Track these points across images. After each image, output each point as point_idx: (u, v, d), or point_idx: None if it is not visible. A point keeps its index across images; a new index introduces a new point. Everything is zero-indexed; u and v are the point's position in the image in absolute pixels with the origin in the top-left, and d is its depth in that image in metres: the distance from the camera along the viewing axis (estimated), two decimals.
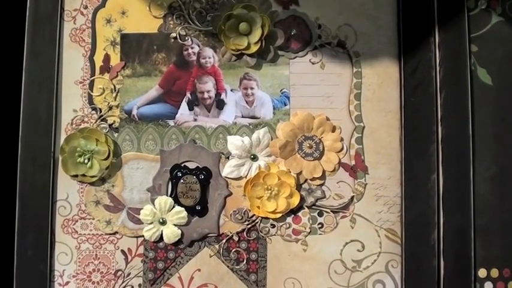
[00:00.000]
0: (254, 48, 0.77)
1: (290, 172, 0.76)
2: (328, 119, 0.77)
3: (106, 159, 0.76)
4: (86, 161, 0.76)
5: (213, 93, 0.78)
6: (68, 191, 0.77)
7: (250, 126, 0.77)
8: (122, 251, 0.77)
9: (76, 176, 0.76)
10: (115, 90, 0.78)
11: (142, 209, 0.76)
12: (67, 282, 0.76)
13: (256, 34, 0.76)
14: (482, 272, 0.78)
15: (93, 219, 0.77)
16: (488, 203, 0.78)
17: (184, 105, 0.77)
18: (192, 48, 0.78)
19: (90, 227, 0.77)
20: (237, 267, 0.77)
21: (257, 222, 0.77)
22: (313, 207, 0.77)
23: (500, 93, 0.78)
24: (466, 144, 0.77)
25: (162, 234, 0.76)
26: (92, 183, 0.77)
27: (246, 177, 0.77)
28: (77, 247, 0.77)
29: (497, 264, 0.78)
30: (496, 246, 0.78)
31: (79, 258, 0.77)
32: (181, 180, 0.76)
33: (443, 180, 0.77)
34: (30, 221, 0.76)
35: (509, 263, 0.78)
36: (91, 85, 0.78)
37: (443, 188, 0.77)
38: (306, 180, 0.77)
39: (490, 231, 0.78)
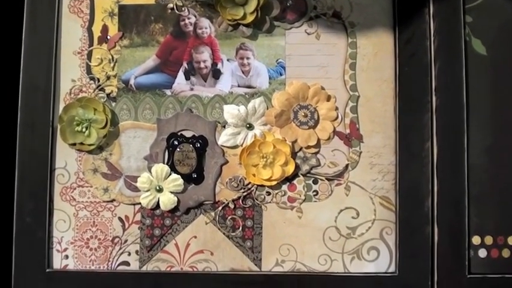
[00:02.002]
0: (250, 19, 0.78)
1: (285, 140, 0.77)
2: (323, 88, 0.78)
3: (104, 127, 0.77)
4: (84, 129, 0.77)
5: (209, 63, 0.79)
6: (66, 160, 0.78)
7: (246, 96, 0.78)
8: (119, 218, 0.78)
9: (74, 144, 0.77)
10: (113, 61, 0.79)
11: (139, 176, 0.77)
12: (65, 249, 0.78)
13: (252, 4, 0.77)
14: (476, 240, 0.78)
15: (91, 187, 0.78)
16: (482, 172, 0.78)
17: (181, 75, 0.78)
18: (188, 18, 0.79)
19: (88, 195, 0.78)
20: (232, 234, 0.78)
21: (253, 190, 0.78)
22: (308, 175, 0.78)
23: (495, 64, 0.79)
24: (460, 114, 0.78)
25: (158, 202, 0.77)
26: (89, 152, 0.78)
27: (241, 145, 0.78)
28: (75, 214, 0.78)
29: (492, 232, 0.78)
30: (490, 215, 0.78)
31: (77, 225, 0.78)
32: (178, 149, 0.77)
33: (437, 149, 0.78)
34: (29, 188, 0.77)
35: (503, 231, 0.78)
36: (89, 55, 0.79)
37: (437, 157, 0.77)
38: (301, 149, 0.78)
39: (485, 200, 0.78)
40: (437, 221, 0.77)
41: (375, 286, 0.77)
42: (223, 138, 0.78)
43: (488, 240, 0.78)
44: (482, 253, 0.78)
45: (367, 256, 0.78)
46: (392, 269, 0.78)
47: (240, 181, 0.78)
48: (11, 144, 0.78)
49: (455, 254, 0.77)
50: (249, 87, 0.78)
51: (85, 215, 0.78)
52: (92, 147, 0.77)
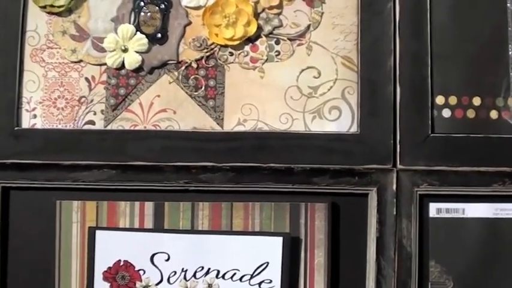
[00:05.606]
0: None
1: (248, 0, 0.78)
2: None
3: None
4: None
5: None
6: (37, 22, 0.80)
7: None
8: (86, 78, 0.80)
9: (44, 7, 0.80)
10: None
11: (106, 38, 0.79)
12: (34, 108, 0.80)
13: None
14: (439, 99, 0.78)
15: (60, 48, 0.80)
16: (445, 32, 0.78)
17: None
18: None
19: (57, 56, 0.80)
20: (195, 93, 0.79)
21: (215, 50, 0.79)
22: (270, 35, 0.79)
23: None
24: None
25: (124, 62, 0.79)
26: (59, 14, 0.80)
27: (205, 6, 0.79)
28: (44, 75, 0.80)
29: (456, 92, 0.78)
30: (454, 74, 0.78)
31: (46, 85, 0.80)
32: (143, 10, 0.79)
33: (399, 8, 0.78)
34: (0, 50, 0.80)
35: (468, 91, 0.78)
36: None
37: (399, 16, 0.77)
38: (263, 10, 0.79)
39: (448, 59, 0.78)
40: (400, 80, 0.77)
41: (336, 144, 0.77)
42: None
43: (453, 100, 0.78)
44: (446, 113, 0.78)
45: (328, 115, 0.78)
46: (354, 129, 0.78)
47: (202, 41, 0.79)
48: None
49: (418, 113, 0.77)
50: None
51: (53, 75, 0.80)
52: (61, 10, 0.80)
